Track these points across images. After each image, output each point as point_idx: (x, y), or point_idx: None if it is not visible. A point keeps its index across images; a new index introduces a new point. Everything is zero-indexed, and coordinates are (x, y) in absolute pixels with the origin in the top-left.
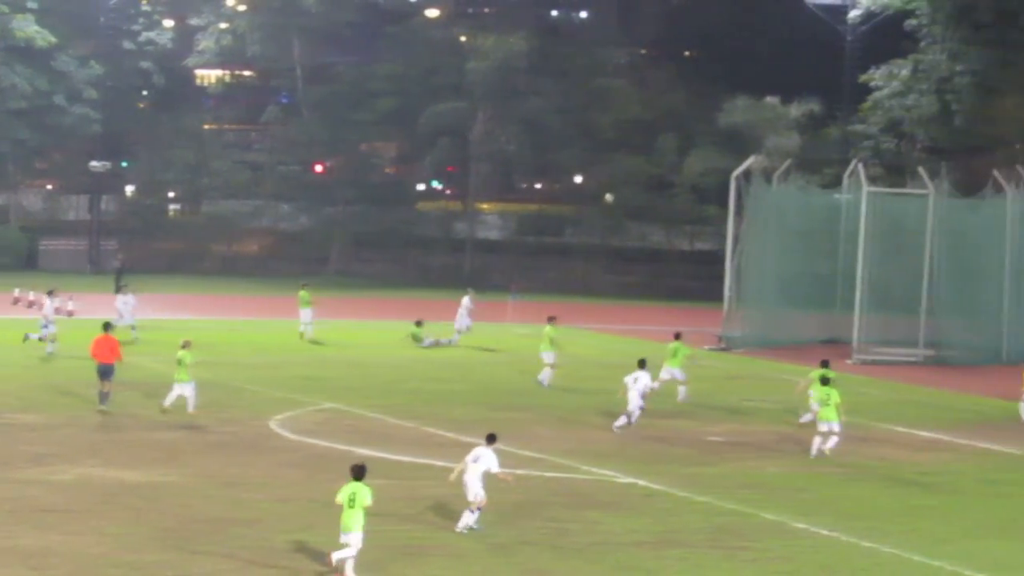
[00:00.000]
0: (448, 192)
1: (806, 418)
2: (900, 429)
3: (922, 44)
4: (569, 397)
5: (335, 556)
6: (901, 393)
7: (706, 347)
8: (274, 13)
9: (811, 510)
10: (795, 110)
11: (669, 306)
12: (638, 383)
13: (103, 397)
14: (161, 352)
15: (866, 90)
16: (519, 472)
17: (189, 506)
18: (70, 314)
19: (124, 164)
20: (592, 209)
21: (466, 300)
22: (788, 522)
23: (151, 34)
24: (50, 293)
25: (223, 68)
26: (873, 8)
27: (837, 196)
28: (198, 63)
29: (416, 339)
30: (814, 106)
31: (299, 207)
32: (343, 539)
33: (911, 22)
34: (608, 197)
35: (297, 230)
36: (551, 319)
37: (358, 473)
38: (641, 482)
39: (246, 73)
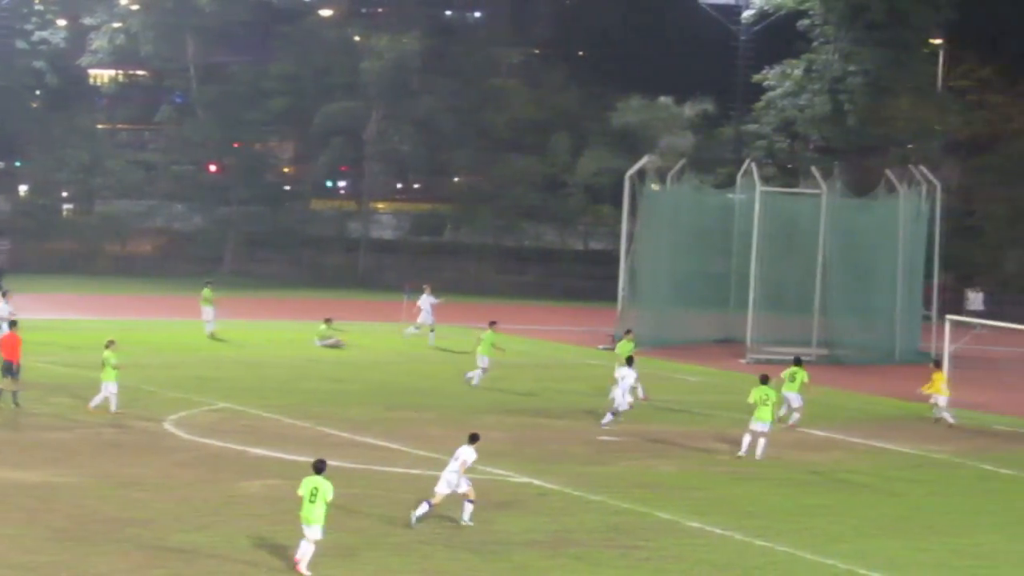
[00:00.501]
0: (342, 192)
1: (794, 419)
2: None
3: (815, 44)
4: (463, 397)
5: (299, 554)
6: None
7: (600, 347)
8: (167, 12)
9: (705, 509)
10: (689, 110)
11: (563, 306)
12: (624, 380)
13: (14, 396)
14: (55, 353)
15: (759, 90)
16: (414, 472)
17: (84, 506)
18: None
19: (17, 164)
20: (485, 209)
21: (427, 296)
22: (682, 521)
23: (44, 33)
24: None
25: (117, 68)
26: (766, 8)
27: (731, 196)
28: (91, 63)
29: (322, 337)
30: (708, 106)
31: (193, 207)
32: (305, 532)
33: (804, 22)
34: None
35: (191, 230)
36: (492, 323)
37: (319, 467)
38: (536, 481)
39: (140, 73)
